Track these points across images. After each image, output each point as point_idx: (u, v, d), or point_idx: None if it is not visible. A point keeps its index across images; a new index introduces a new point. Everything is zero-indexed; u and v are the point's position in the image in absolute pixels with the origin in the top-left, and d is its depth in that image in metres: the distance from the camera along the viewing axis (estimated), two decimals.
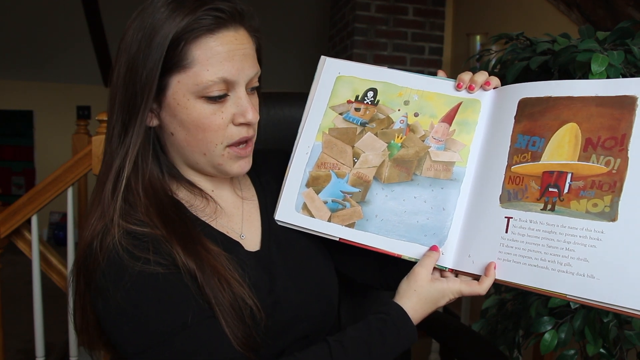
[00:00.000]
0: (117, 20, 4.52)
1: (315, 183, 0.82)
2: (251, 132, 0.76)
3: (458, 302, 0.72)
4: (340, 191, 0.80)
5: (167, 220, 0.72)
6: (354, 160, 0.81)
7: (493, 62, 1.33)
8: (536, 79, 1.17)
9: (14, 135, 6.02)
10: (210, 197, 0.80)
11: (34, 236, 1.81)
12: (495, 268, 0.70)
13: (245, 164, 0.78)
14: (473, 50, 2.54)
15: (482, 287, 0.71)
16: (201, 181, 0.81)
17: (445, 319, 1.21)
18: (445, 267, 0.75)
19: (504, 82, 0.90)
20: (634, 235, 0.62)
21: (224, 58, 0.70)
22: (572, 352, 1.13)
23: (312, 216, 0.81)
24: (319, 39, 4.36)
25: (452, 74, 0.83)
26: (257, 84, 0.77)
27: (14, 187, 6.13)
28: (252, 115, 0.74)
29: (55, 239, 5.48)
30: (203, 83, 0.70)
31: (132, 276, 0.67)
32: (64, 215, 5.53)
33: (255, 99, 0.78)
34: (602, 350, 1.08)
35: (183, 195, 0.79)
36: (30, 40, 4.78)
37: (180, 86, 0.71)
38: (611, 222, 0.64)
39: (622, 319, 1.08)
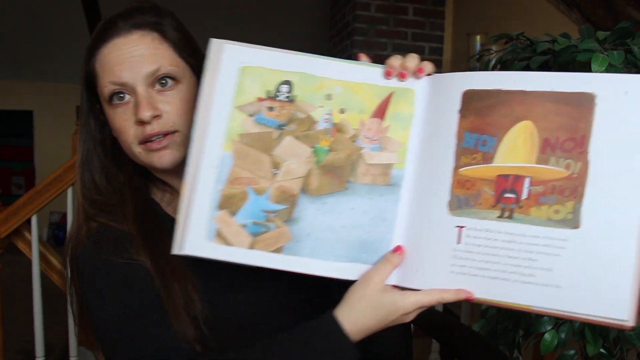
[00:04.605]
0: None
1: (229, 203, 0.67)
2: (154, 129, 0.74)
3: (458, 302, 0.66)
4: (261, 210, 0.67)
5: (138, 217, 0.76)
6: (273, 171, 0.68)
7: (493, 62, 1.33)
8: None
9: (14, 135, 6.02)
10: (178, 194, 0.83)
11: (34, 236, 1.81)
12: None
13: (163, 156, 0.76)
14: (473, 50, 2.54)
15: (447, 293, 0.64)
16: (168, 179, 0.83)
17: (445, 319, 1.21)
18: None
19: None
20: (598, 242, 0.60)
21: (113, 64, 0.74)
22: (572, 352, 1.13)
23: (230, 244, 0.66)
24: (319, 39, 4.36)
25: None
26: (167, 75, 0.75)
27: (14, 187, 6.13)
28: (141, 112, 0.72)
29: (55, 239, 5.48)
30: (103, 92, 0.76)
31: (94, 266, 0.74)
32: (64, 215, 5.53)
33: (169, 94, 0.75)
34: (602, 350, 1.08)
35: (157, 193, 0.84)
36: (30, 40, 4.78)
37: (102, 100, 0.78)
38: (574, 230, 0.60)
39: None
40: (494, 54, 1.36)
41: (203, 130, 0.67)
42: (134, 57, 0.74)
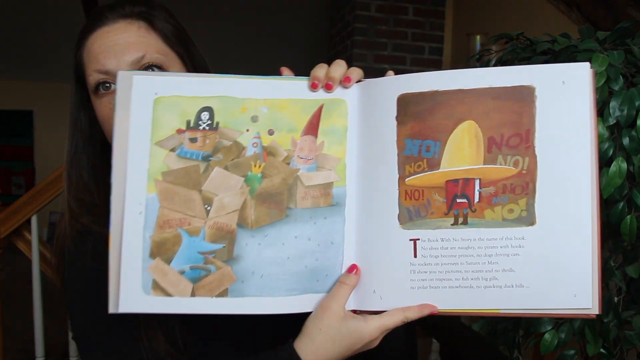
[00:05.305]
0: None
1: (162, 250, 0.61)
2: None
3: None
4: (198, 253, 0.62)
5: None
6: (206, 208, 0.62)
7: (493, 62, 1.33)
8: None
9: (14, 135, 6.02)
10: None
11: (34, 236, 1.81)
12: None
13: None
14: (473, 50, 2.54)
15: (410, 311, 0.61)
16: None
17: (445, 319, 1.21)
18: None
19: None
20: (555, 235, 0.60)
21: (98, 52, 0.73)
22: (572, 352, 1.13)
23: (169, 294, 0.60)
24: (319, 39, 4.36)
25: None
26: (153, 63, 0.73)
27: (14, 187, 6.13)
28: None
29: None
30: (89, 81, 0.74)
31: (71, 271, 0.74)
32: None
33: None
34: (602, 350, 1.08)
35: None
36: (30, 40, 4.78)
37: (90, 92, 0.76)
38: (530, 227, 0.60)
39: (622, 318, 1.08)
40: (494, 54, 1.36)
41: (122, 174, 0.61)
42: (118, 45, 0.72)
